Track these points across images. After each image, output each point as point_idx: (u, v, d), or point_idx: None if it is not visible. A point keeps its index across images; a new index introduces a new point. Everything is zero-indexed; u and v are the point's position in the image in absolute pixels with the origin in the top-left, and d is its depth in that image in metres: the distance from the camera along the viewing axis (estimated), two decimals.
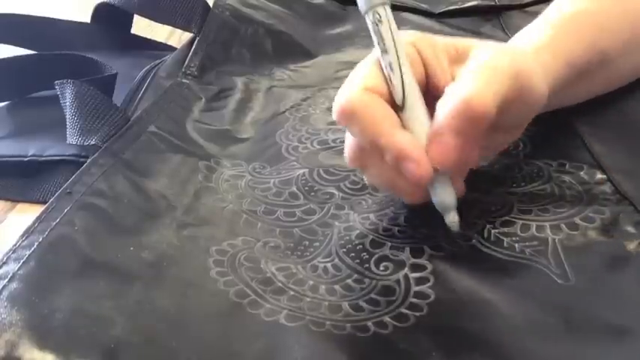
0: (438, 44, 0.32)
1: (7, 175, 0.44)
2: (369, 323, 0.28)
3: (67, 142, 0.41)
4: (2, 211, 0.42)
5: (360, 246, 0.33)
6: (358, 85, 0.30)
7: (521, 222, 0.33)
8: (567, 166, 0.37)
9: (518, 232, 0.33)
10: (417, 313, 0.29)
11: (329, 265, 0.32)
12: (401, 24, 0.58)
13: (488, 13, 0.59)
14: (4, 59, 0.50)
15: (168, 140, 0.42)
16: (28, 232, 0.32)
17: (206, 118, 0.45)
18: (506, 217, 0.34)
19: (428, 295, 0.30)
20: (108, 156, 0.39)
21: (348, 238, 0.33)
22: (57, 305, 0.29)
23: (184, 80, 0.49)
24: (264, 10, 0.58)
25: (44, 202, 0.36)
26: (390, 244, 0.33)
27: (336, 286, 0.30)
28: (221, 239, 0.34)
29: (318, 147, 0.41)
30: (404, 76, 0.30)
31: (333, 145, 0.41)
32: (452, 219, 0.31)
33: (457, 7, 0.60)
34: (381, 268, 0.31)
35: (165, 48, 0.62)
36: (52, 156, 0.43)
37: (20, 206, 0.43)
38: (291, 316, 0.29)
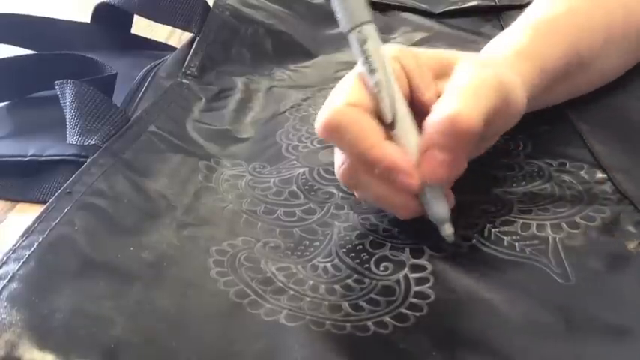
0: (421, 58, 0.32)
1: (7, 175, 0.44)
2: (369, 323, 0.28)
3: (67, 142, 0.41)
4: (2, 211, 0.42)
5: (360, 246, 0.33)
6: (342, 100, 0.30)
7: (521, 221, 0.33)
8: (567, 165, 0.37)
9: (519, 231, 0.33)
10: (417, 313, 0.29)
11: (329, 264, 0.32)
12: (401, 24, 0.58)
13: (488, 13, 0.59)
14: (4, 59, 0.50)
15: (168, 140, 0.42)
16: (28, 232, 0.32)
17: (206, 118, 0.45)
18: (507, 217, 0.34)
19: (428, 295, 0.30)
20: (108, 156, 0.39)
21: (348, 238, 0.33)
22: (57, 305, 0.29)
23: (184, 80, 0.49)
24: (264, 10, 0.58)
25: (44, 202, 0.36)
26: (390, 244, 0.33)
27: (336, 286, 0.30)
28: (221, 239, 0.34)
29: (318, 146, 0.41)
30: (394, 96, 0.30)
31: (332, 144, 0.41)
32: (447, 231, 0.31)
33: (457, 7, 0.60)
34: (381, 268, 0.31)
35: (166, 48, 0.62)
36: (52, 156, 0.43)
37: (20, 206, 0.43)
38: (291, 315, 0.29)
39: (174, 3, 0.54)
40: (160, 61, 0.52)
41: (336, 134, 0.30)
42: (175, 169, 0.39)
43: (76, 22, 0.60)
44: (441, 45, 0.54)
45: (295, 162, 0.40)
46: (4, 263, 0.30)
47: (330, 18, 0.61)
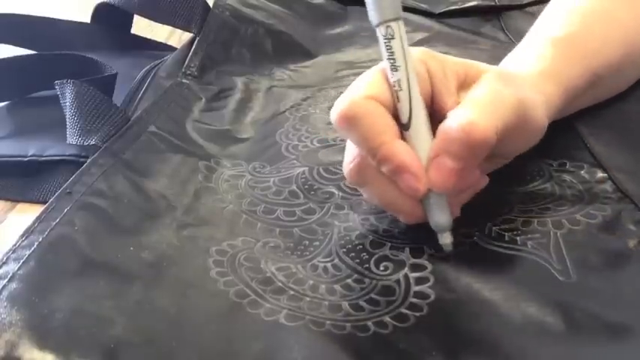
0: (448, 65, 0.32)
1: (7, 175, 0.44)
2: (369, 323, 0.28)
3: (67, 142, 0.41)
4: (2, 211, 0.42)
5: (360, 246, 0.33)
6: (361, 91, 0.30)
7: (522, 219, 0.33)
8: (568, 165, 0.37)
9: (520, 227, 0.33)
10: (417, 313, 0.29)
11: (329, 264, 0.32)
12: None
13: (488, 13, 0.59)
14: (4, 59, 0.50)
15: (168, 140, 0.42)
16: (28, 232, 0.32)
17: (206, 118, 0.45)
18: (507, 216, 0.34)
19: (428, 295, 0.30)
20: (108, 156, 0.39)
21: (348, 238, 0.33)
22: (57, 305, 0.29)
23: (184, 80, 0.49)
24: (264, 10, 0.58)
25: (44, 202, 0.36)
26: (389, 244, 0.33)
27: (336, 286, 0.30)
28: (221, 239, 0.34)
29: (318, 145, 0.41)
30: (412, 96, 0.30)
31: (332, 143, 0.41)
32: (445, 240, 0.31)
33: (457, 7, 0.60)
34: (381, 268, 0.31)
35: (166, 48, 0.62)
36: (52, 156, 0.44)
37: (20, 206, 0.43)
38: (291, 315, 0.29)
39: (174, 3, 0.54)
40: (159, 61, 0.52)
41: (351, 125, 0.30)
42: (175, 169, 0.39)
43: (76, 22, 0.60)
44: (441, 45, 0.54)
45: (295, 161, 0.40)
46: (4, 263, 0.30)
47: (330, 18, 0.62)
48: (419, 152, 0.30)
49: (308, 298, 0.30)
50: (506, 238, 0.32)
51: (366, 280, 0.31)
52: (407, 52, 0.30)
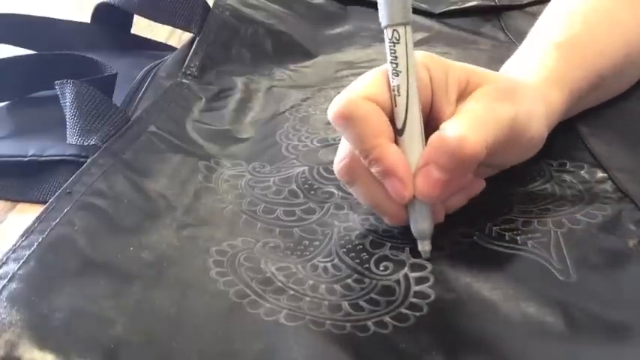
0: (451, 71, 0.31)
1: (7, 175, 0.44)
2: (369, 323, 0.28)
3: (67, 142, 0.41)
4: (2, 211, 0.42)
5: (360, 246, 0.33)
6: (359, 91, 0.30)
7: (522, 219, 0.33)
8: (568, 165, 0.37)
9: (520, 227, 0.33)
10: (417, 313, 0.29)
11: (329, 264, 0.32)
12: None
13: (488, 13, 0.59)
14: (4, 59, 0.50)
15: (168, 140, 0.42)
16: (28, 232, 0.32)
17: (206, 118, 0.45)
18: (508, 216, 0.34)
19: (428, 295, 0.30)
20: (108, 156, 0.39)
21: (348, 238, 0.33)
22: (57, 305, 0.29)
23: (184, 80, 0.49)
24: (264, 10, 0.58)
25: (44, 202, 0.36)
26: (389, 244, 0.33)
27: (336, 286, 0.30)
28: (221, 239, 0.34)
29: (317, 145, 0.41)
30: (409, 103, 0.30)
31: (332, 142, 0.41)
32: (425, 247, 0.31)
33: (457, 7, 0.60)
34: (381, 268, 0.31)
35: (166, 48, 0.62)
36: (52, 156, 0.44)
37: (20, 206, 0.43)
38: (291, 315, 0.29)
39: (174, 3, 0.54)
40: (159, 61, 0.52)
41: (346, 124, 0.30)
42: (175, 169, 0.39)
43: (76, 22, 0.60)
44: (441, 45, 0.54)
45: (295, 160, 0.40)
46: (4, 263, 0.30)
47: (330, 18, 0.62)
48: (409, 158, 0.30)
49: (308, 298, 0.30)
50: (507, 238, 0.32)
51: (366, 280, 0.31)
52: (410, 58, 0.30)
